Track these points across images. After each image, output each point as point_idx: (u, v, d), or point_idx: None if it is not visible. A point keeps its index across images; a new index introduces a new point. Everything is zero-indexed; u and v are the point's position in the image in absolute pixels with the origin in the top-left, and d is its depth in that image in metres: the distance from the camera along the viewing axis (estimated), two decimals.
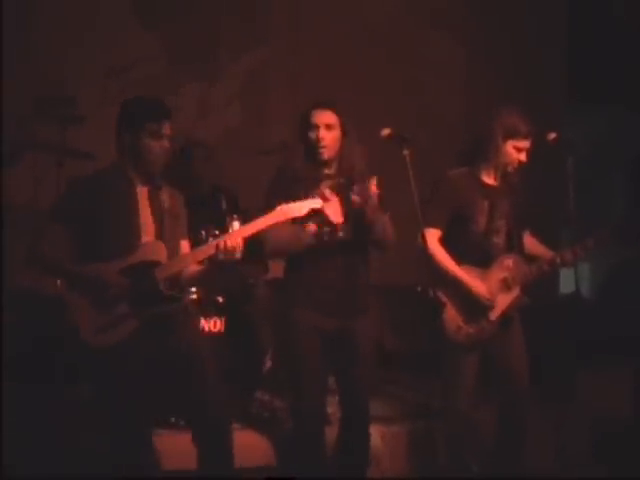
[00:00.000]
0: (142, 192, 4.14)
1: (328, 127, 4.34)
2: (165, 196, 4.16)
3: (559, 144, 4.61)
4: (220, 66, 6.76)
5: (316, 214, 4.22)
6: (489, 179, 4.65)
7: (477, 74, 7.21)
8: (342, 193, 4.31)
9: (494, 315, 4.58)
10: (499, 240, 4.65)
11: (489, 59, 7.23)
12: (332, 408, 4.75)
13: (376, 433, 4.92)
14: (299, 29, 6.93)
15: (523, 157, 4.56)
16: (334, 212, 4.30)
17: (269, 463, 5.01)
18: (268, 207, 4.23)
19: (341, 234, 4.30)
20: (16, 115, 5.84)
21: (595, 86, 7.29)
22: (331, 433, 4.53)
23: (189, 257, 4.12)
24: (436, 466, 4.84)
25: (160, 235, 4.10)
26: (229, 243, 3.98)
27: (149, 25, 6.50)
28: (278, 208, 4.07)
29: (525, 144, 4.55)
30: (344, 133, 4.37)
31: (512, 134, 4.54)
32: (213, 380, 4.14)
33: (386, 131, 4.25)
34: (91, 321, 3.96)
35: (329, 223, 4.29)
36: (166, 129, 4.08)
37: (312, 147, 4.35)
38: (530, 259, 4.71)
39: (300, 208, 4.08)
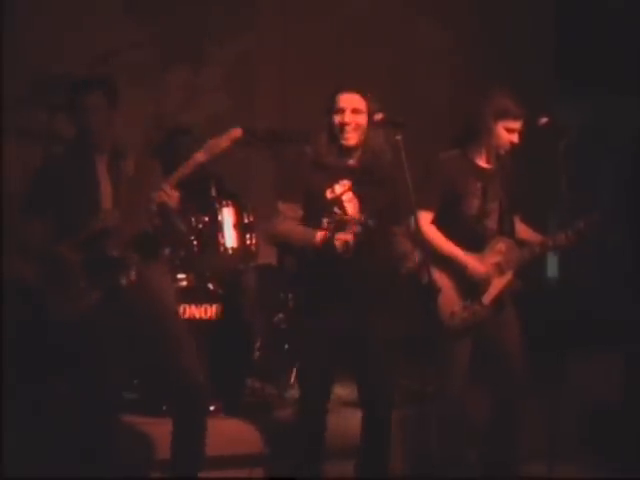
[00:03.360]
0: None
1: (355, 111, 4.17)
2: None
3: (551, 128, 4.59)
4: (206, 52, 6.72)
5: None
6: (482, 161, 4.64)
7: (464, 58, 7.19)
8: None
9: (487, 299, 4.57)
10: (492, 223, 4.64)
11: (476, 43, 7.21)
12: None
13: None
14: (285, 14, 6.89)
15: (515, 138, 4.55)
16: (353, 206, 4.16)
17: (260, 451, 4.98)
18: (284, 195, 4.17)
19: (357, 228, 4.08)
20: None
21: (584, 71, 7.28)
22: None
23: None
24: (429, 452, 4.82)
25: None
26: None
27: (135, 11, 6.45)
28: None
29: (516, 125, 4.53)
30: (371, 121, 4.18)
31: (503, 115, 4.52)
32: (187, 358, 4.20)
33: (378, 116, 4.14)
34: (61, 299, 4.10)
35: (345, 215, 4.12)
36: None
37: (336, 132, 4.18)
38: (520, 244, 4.71)
39: None
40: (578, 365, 5.40)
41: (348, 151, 4.22)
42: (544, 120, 4.59)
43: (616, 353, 5.94)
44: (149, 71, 6.42)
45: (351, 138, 4.17)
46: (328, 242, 4.05)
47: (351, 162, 4.24)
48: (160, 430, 4.69)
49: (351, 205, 4.18)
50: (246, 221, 5.68)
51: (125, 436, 4.56)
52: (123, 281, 4.12)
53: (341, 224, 4.08)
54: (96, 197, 4.20)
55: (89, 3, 6.29)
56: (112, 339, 4.14)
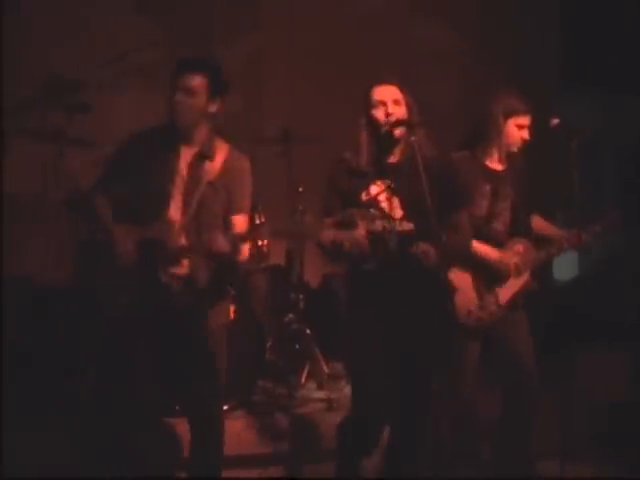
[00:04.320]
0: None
1: (396, 102, 4.00)
2: None
3: (562, 130, 4.61)
4: (215, 52, 6.73)
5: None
6: (492, 163, 4.66)
7: (472, 60, 7.21)
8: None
9: (504, 299, 4.59)
10: (499, 225, 4.66)
11: (484, 45, 7.23)
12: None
13: None
14: (293, 14, 6.91)
15: (526, 135, 4.60)
16: (389, 206, 3.97)
17: (270, 450, 5.00)
18: (328, 203, 4.05)
19: (401, 228, 3.86)
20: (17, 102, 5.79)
21: (588, 70, 7.29)
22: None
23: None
24: (442, 450, 4.84)
25: None
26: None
27: (145, 12, 6.47)
28: None
29: (526, 121, 4.59)
30: (410, 114, 4.02)
31: (513, 112, 4.57)
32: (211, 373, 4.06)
33: (393, 117, 4.05)
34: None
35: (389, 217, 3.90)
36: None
37: (379, 127, 4.00)
38: (541, 240, 4.73)
39: None
40: (587, 364, 5.41)
41: (389, 147, 4.05)
42: (555, 121, 4.61)
43: (625, 352, 5.96)
44: (159, 71, 6.41)
45: (398, 131, 3.99)
46: (335, 241, 3.93)
47: (391, 159, 4.09)
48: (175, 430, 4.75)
49: (388, 205, 4.00)
50: (257, 222, 5.67)
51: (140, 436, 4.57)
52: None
53: (350, 221, 3.90)
54: (168, 190, 3.86)
55: (100, 3, 6.32)
56: (146, 340, 3.95)
